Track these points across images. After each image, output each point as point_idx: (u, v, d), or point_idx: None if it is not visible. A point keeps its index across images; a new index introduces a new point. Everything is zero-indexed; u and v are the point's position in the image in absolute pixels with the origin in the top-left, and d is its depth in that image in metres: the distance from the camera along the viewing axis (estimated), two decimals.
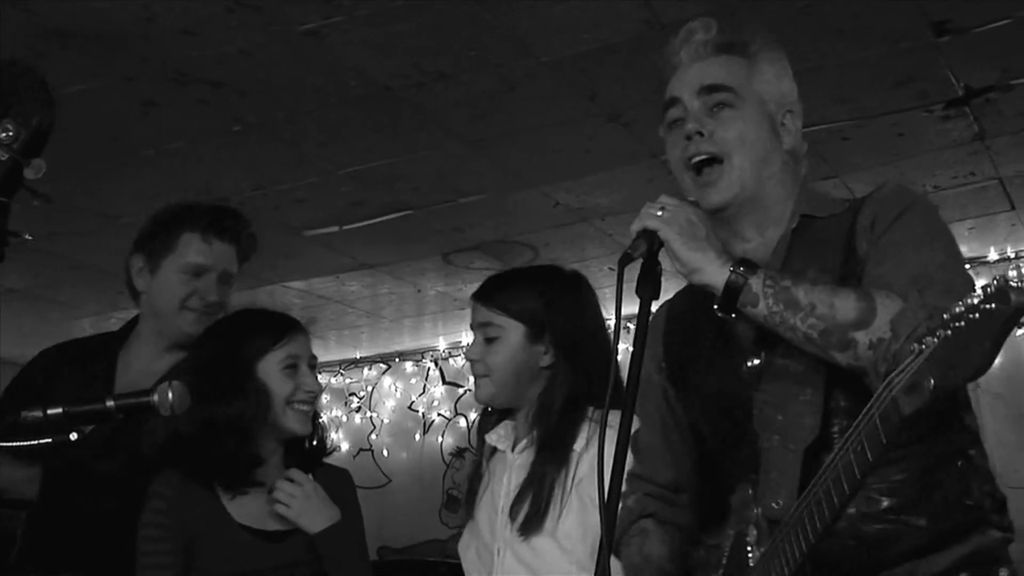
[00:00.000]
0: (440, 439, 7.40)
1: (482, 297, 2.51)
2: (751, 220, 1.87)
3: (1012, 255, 5.80)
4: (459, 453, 7.29)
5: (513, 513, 2.35)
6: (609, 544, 1.47)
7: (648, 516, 2.04)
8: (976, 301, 1.21)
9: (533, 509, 2.30)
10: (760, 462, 1.75)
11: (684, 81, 1.89)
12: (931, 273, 1.64)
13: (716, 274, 1.69)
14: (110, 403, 2.17)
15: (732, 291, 1.67)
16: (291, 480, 2.38)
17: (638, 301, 1.69)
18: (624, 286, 1.63)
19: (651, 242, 1.69)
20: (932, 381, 1.27)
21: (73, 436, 2.16)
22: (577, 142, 4.07)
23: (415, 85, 3.55)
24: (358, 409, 7.53)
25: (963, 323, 1.23)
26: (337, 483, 2.49)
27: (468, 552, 2.52)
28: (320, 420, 2.58)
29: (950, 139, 4.25)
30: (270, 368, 2.41)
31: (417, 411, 7.51)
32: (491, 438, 2.54)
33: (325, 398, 6.22)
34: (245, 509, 2.35)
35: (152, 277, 2.61)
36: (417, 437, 7.47)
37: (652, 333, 2.06)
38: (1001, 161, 4.51)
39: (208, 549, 2.30)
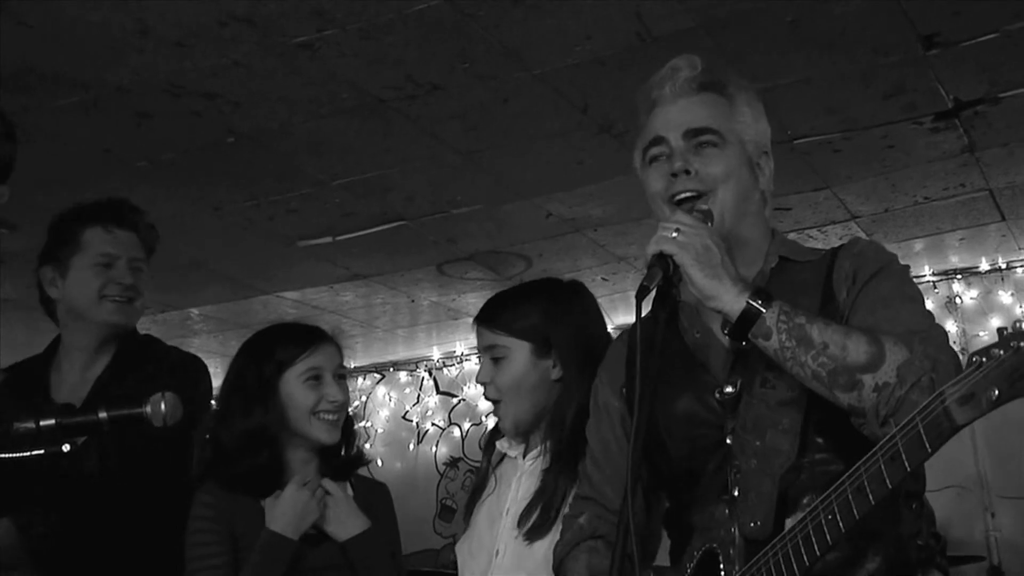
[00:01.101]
0: (434, 449, 7.41)
1: (484, 320, 2.52)
2: (727, 254, 1.87)
3: (1003, 266, 5.84)
4: (453, 463, 7.30)
5: (522, 520, 2.38)
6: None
7: (599, 537, 2.06)
8: None
9: (542, 518, 2.33)
10: (735, 483, 1.79)
11: (669, 120, 1.91)
12: (926, 329, 1.70)
13: (732, 302, 1.69)
14: (102, 414, 2.19)
15: (746, 321, 1.69)
16: (325, 489, 2.46)
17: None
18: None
19: (666, 267, 1.70)
20: (997, 392, 1.32)
21: (66, 447, 2.18)
22: (569, 153, 4.09)
23: (408, 97, 3.57)
24: (353, 419, 7.53)
25: None
26: (374, 494, 2.57)
27: (463, 549, 2.55)
28: (355, 429, 2.65)
29: (940, 151, 4.28)
30: (293, 379, 2.49)
31: (411, 421, 7.52)
32: (502, 444, 2.57)
33: None
34: None
35: (64, 280, 2.66)
36: (411, 447, 7.48)
37: (614, 360, 2.12)
38: (991, 173, 4.54)
39: (250, 550, 2.36)
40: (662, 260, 1.71)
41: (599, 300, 2.65)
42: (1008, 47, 3.40)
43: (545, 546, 2.29)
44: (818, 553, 1.54)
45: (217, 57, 3.24)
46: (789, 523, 1.69)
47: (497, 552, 2.43)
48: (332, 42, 3.19)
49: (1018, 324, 1.30)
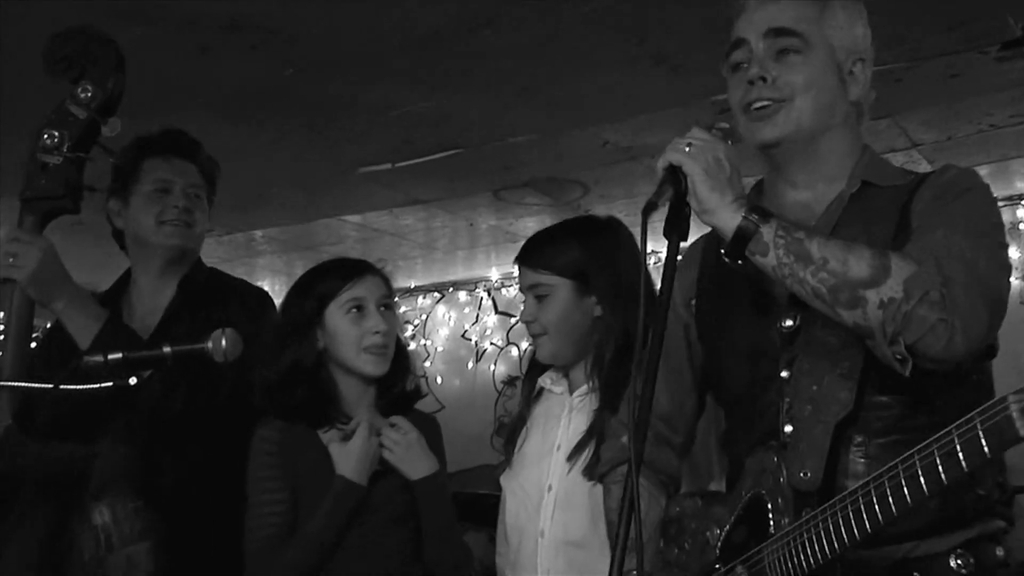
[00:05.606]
0: (492, 367, 7.53)
1: (525, 259, 2.57)
2: (804, 167, 1.83)
3: None
4: (511, 381, 7.40)
5: (572, 456, 2.45)
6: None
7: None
8: None
9: (596, 458, 2.36)
10: (787, 429, 1.74)
11: (752, 22, 1.83)
12: (952, 247, 1.60)
13: (729, 218, 1.64)
14: (167, 349, 2.31)
15: (742, 237, 1.64)
16: (396, 427, 2.52)
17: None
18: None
19: (677, 183, 1.64)
20: None
21: (132, 381, 2.29)
22: (625, 85, 4.06)
23: (463, 30, 3.57)
24: (412, 337, 7.66)
25: None
26: (427, 429, 2.60)
27: (511, 485, 2.63)
28: (410, 361, 2.68)
29: (1007, 80, 4.17)
30: (336, 311, 2.54)
31: (470, 340, 7.62)
32: (545, 381, 2.63)
33: None
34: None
35: (127, 209, 2.75)
36: (470, 365, 7.60)
37: (687, 263, 2.07)
38: None
39: (310, 489, 2.45)
40: (673, 175, 1.65)
41: (656, 224, 2.69)
42: None
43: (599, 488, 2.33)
44: (868, 529, 1.50)
45: None
46: (841, 477, 1.66)
47: (549, 488, 2.49)
48: None
49: None
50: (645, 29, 3.59)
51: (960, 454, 1.36)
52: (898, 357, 1.55)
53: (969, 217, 1.68)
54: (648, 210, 1.61)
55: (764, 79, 1.79)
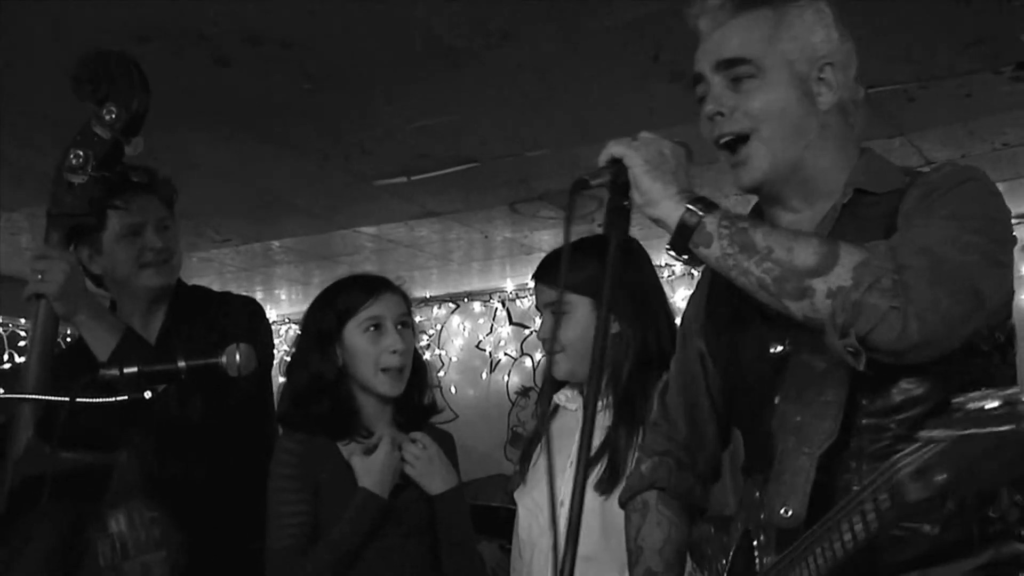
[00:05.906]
0: (506, 378, 7.54)
1: (543, 277, 2.60)
2: (796, 192, 1.77)
3: None
4: (524, 392, 7.43)
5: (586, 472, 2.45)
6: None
7: (659, 488, 2.04)
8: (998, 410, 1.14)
9: (610, 472, 2.41)
10: (772, 461, 1.67)
11: (705, 53, 1.78)
12: (917, 238, 1.53)
13: (671, 209, 1.59)
14: (181, 363, 2.35)
15: (685, 229, 1.59)
16: (417, 442, 2.56)
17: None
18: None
19: (616, 174, 1.62)
20: (945, 476, 1.22)
21: (147, 394, 2.33)
22: (641, 101, 4.07)
23: (480, 46, 3.60)
24: (427, 347, 7.70)
25: (983, 429, 1.16)
26: (443, 447, 2.63)
27: (525, 501, 2.64)
28: (427, 377, 2.73)
29: (1021, 99, 4.16)
30: (355, 329, 2.58)
31: (484, 350, 7.64)
32: (560, 399, 2.64)
33: None
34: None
35: (101, 256, 2.75)
36: (484, 376, 7.62)
37: (699, 288, 2.06)
38: None
39: (330, 500, 2.49)
40: (614, 166, 1.64)
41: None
42: None
43: (614, 503, 2.34)
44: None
45: (293, 6, 3.31)
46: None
47: (562, 503, 2.51)
48: None
49: (966, 404, 1.17)
50: (661, 45, 3.61)
51: (872, 514, 1.37)
52: (850, 350, 1.47)
53: (956, 209, 1.58)
54: (577, 187, 1.60)
55: (721, 114, 1.74)
